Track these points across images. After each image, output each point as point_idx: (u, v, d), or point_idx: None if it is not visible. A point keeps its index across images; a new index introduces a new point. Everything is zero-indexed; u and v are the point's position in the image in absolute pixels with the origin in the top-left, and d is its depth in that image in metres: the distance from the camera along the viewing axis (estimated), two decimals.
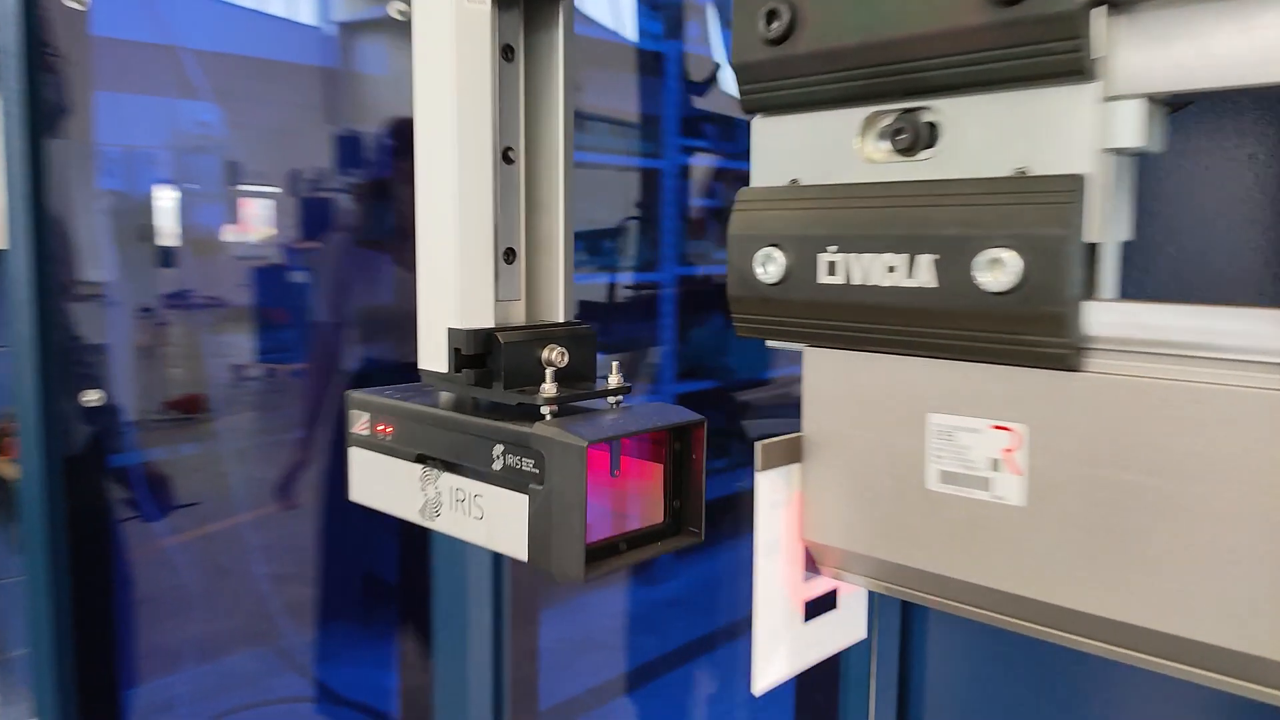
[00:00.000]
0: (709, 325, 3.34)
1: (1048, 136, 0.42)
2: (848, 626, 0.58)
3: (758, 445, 0.50)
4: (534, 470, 0.64)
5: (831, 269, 0.48)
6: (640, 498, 0.70)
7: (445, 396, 0.75)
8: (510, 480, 0.66)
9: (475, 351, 0.68)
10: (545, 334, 0.71)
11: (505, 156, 0.72)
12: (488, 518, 0.68)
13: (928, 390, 0.47)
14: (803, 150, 0.51)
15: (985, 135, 0.44)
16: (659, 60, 3.07)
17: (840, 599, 0.57)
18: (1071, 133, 0.42)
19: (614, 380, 0.70)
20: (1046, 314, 0.41)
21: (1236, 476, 0.39)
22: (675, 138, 3.14)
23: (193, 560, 2.77)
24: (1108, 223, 0.42)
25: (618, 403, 0.71)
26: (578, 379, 0.73)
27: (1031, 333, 0.42)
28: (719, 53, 3.24)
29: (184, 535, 2.70)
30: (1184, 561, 0.40)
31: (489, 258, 0.70)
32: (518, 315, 0.74)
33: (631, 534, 0.68)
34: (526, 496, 0.64)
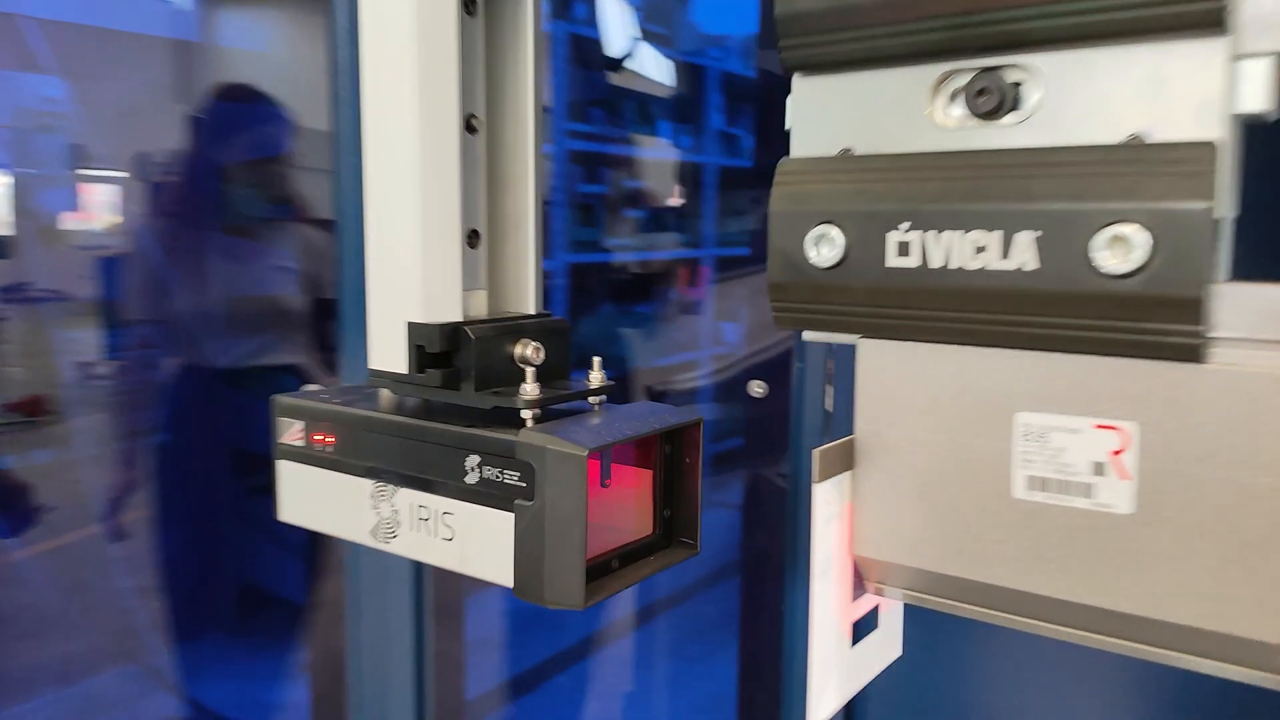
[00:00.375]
0: (599, 315, 3.28)
1: (1170, 98, 0.37)
2: (887, 645, 0.53)
3: (815, 453, 0.44)
4: (520, 484, 0.56)
5: (903, 250, 0.42)
6: (629, 508, 0.63)
7: (391, 399, 0.66)
8: (489, 496, 0.57)
9: (441, 349, 0.59)
10: (517, 327, 0.63)
11: (468, 125, 0.63)
12: (460, 539, 0.59)
13: (1014, 386, 0.42)
14: (857, 115, 0.45)
15: (1092, 96, 0.39)
16: (545, 42, 2.97)
17: (880, 617, 0.52)
18: (1199, 94, 0.37)
19: (596, 378, 0.63)
20: (1177, 299, 0.36)
21: None
22: (563, 122, 3.06)
23: (49, 575, 2.54)
24: (1231, 197, 0.37)
25: (600, 403, 0.64)
26: (554, 378, 0.65)
27: (1156, 320, 0.37)
28: (611, 36, 3.17)
29: (38, 548, 2.47)
30: None
31: (456, 241, 0.61)
32: (481, 306, 0.66)
33: (623, 549, 0.61)
34: (510, 514, 0.56)
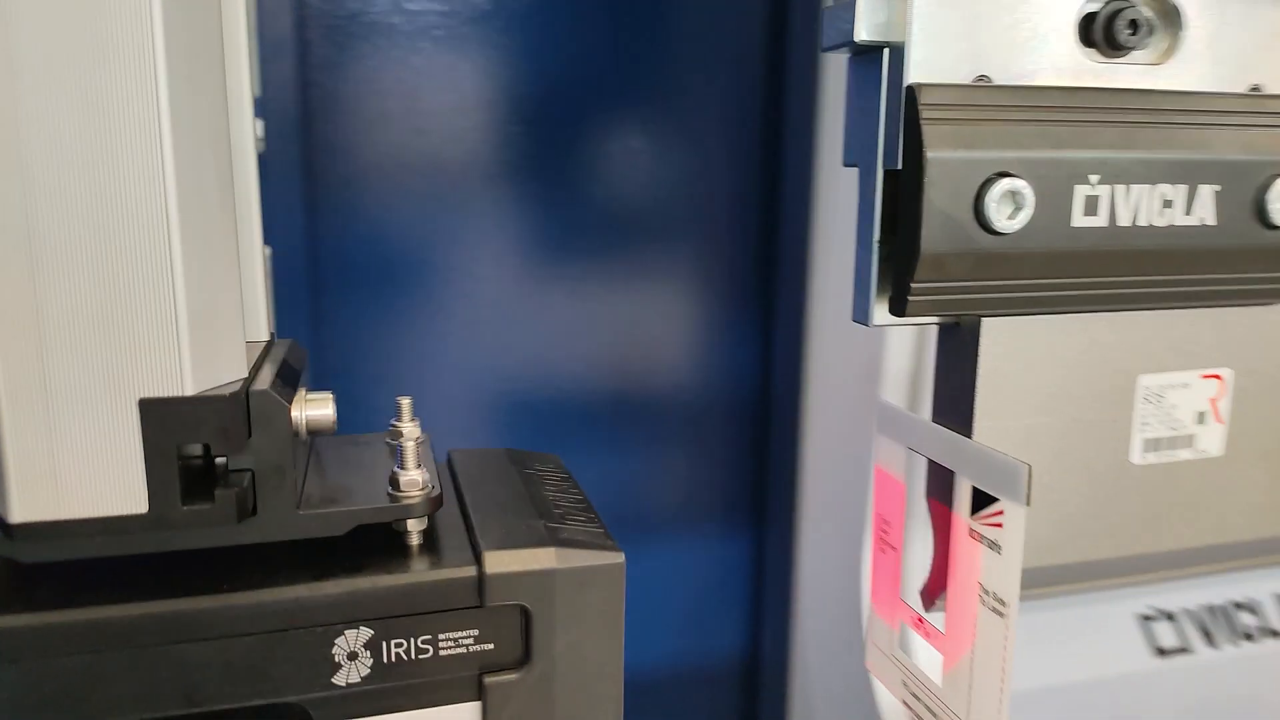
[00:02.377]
0: None
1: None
2: None
3: (1026, 468, 0.35)
4: (484, 647, 0.33)
5: (1091, 206, 0.35)
6: None
7: None
8: (400, 694, 0.33)
9: (230, 447, 0.30)
10: (287, 372, 0.36)
11: None
12: None
13: (1138, 350, 0.39)
14: (995, 32, 0.35)
15: (1224, 44, 0.37)
16: None
17: None
18: None
19: (410, 428, 0.40)
20: None
21: None
22: None
23: None
24: None
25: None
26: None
27: None
28: None
29: None
30: None
31: (228, 204, 0.31)
32: None
33: None
34: (464, 705, 0.33)
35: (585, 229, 0.93)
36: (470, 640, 0.32)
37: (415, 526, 0.33)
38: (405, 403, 0.39)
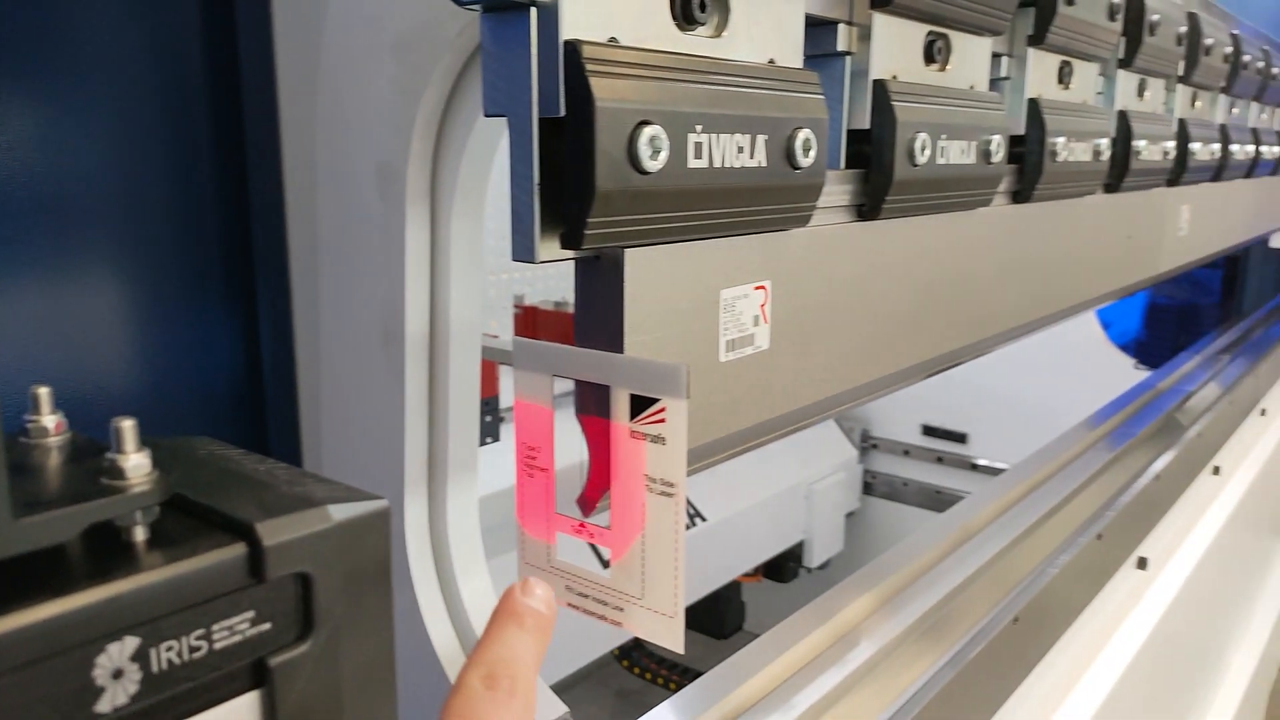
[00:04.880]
0: None
1: (785, 34, 0.50)
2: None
3: (684, 367, 0.41)
4: (263, 628, 0.33)
5: (698, 151, 0.43)
6: None
7: None
8: (176, 703, 0.31)
9: None
10: None
11: None
12: None
13: (720, 269, 0.48)
14: (624, 2, 0.40)
15: (756, 23, 0.48)
16: None
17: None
18: (797, 35, 0.51)
19: (53, 419, 0.36)
20: (820, 183, 0.51)
21: (829, 279, 0.59)
22: None
23: None
24: None
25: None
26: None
27: (807, 200, 0.51)
28: None
29: None
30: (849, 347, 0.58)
31: None
32: None
33: None
34: (242, 700, 0.33)
35: None
36: (246, 624, 0.30)
37: (144, 519, 0.29)
38: (44, 392, 0.33)
